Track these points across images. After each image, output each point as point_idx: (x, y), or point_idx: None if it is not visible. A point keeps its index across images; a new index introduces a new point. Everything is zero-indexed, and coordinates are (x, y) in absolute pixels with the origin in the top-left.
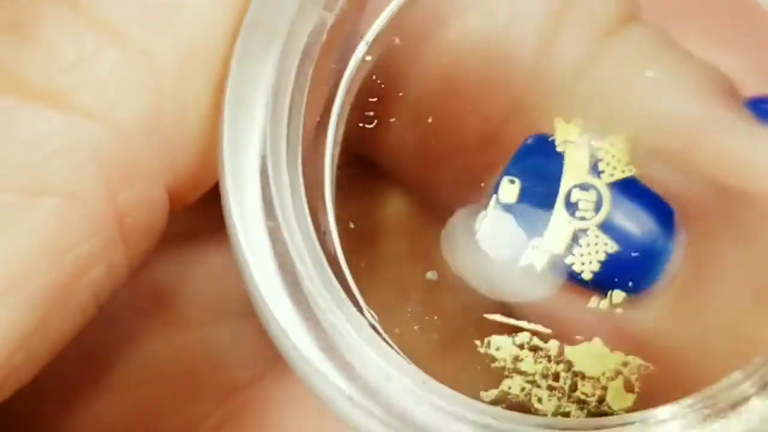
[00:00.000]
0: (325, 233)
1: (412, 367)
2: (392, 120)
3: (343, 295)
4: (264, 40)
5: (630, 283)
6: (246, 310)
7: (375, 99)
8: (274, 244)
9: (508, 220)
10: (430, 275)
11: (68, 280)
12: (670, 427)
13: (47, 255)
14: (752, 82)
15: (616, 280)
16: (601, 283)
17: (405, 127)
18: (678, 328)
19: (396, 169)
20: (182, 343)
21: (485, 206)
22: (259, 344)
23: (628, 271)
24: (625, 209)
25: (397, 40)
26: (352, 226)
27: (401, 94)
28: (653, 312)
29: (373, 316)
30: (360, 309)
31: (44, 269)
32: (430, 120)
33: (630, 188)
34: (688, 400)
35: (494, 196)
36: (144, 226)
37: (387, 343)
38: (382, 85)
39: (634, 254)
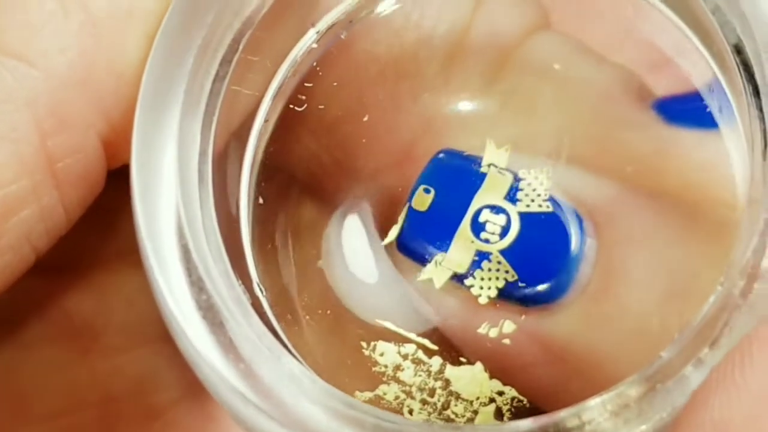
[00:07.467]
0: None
1: (289, 357)
2: (320, 107)
3: (229, 267)
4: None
5: (522, 316)
6: (163, 335)
7: (310, 84)
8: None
9: (419, 229)
10: (321, 263)
11: None
12: None
13: None
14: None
15: (512, 305)
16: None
17: (322, 142)
18: (590, 334)
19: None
20: (101, 370)
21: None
22: (176, 368)
23: (525, 300)
24: (533, 238)
25: (343, 35)
26: (261, 201)
27: (335, 84)
28: (565, 320)
29: (261, 291)
30: (251, 282)
31: None
32: (366, 119)
33: (541, 215)
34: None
35: (408, 204)
36: (78, 174)
37: (270, 319)
38: (320, 73)
39: (533, 288)
